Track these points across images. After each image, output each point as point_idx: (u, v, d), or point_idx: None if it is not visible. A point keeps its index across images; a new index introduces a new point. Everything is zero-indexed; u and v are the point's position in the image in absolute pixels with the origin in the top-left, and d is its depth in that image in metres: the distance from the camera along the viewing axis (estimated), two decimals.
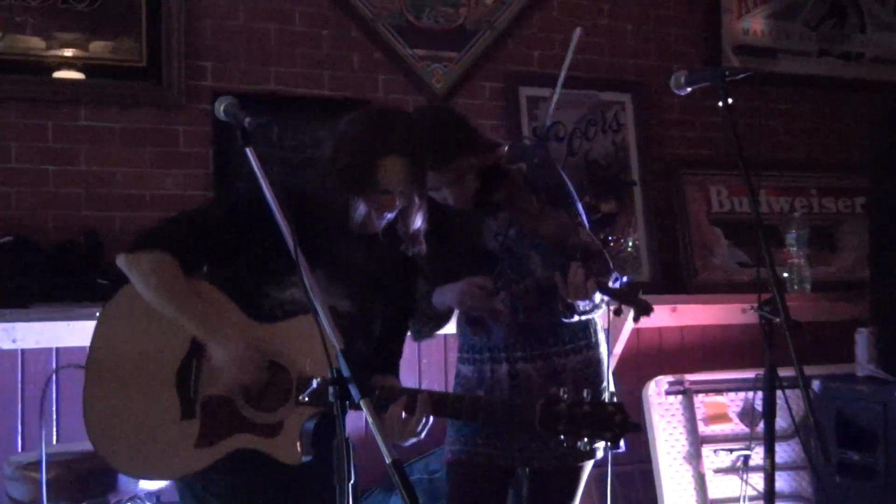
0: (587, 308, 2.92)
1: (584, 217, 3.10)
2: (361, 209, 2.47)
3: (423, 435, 2.43)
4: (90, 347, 2.49)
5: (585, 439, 2.41)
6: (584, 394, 2.43)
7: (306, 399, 2.36)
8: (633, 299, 2.71)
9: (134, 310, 2.45)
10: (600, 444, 2.94)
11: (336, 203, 2.47)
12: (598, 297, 2.84)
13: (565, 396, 2.43)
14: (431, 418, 2.43)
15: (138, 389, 2.45)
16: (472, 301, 2.89)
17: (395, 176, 2.45)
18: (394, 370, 2.69)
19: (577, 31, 3.06)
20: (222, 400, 2.42)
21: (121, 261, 2.44)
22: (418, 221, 2.56)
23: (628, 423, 2.43)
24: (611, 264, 2.90)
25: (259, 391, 2.42)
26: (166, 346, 2.44)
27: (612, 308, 2.85)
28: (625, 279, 2.77)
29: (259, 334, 2.43)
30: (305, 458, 2.41)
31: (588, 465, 3.09)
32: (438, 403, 2.45)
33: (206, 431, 2.42)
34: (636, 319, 2.72)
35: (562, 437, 2.42)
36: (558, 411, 2.41)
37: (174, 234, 2.47)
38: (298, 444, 2.39)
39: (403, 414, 2.38)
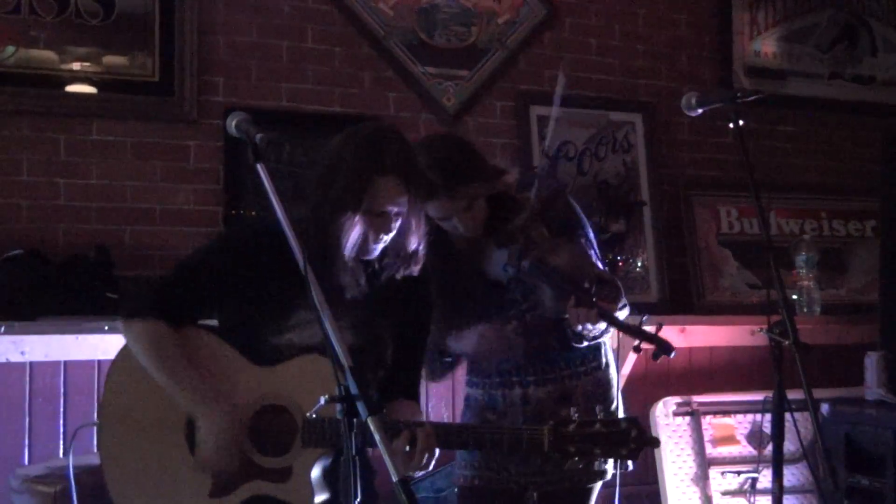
0: (596, 334, 2.91)
1: (595, 247, 3.09)
2: (356, 233, 2.42)
3: (430, 467, 2.39)
4: (102, 403, 2.52)
5: (602, 459, 2.37)
6: (596, 410, 2.41)
7: (314, 416, 2.36)
8: (648, 336, 2.69)
9: (141, 364, 2.47)
10: (610, 464, 2.95)
11: (331, 232, 2.43)
12: (603, 323, 2.83)
13: (576, 416, 2.41)
14: (438, 450, 2.40)
15: (151, 442, 2.46)
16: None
17: (390, 196, 2.41)
18: (413, 394, 2.67)
19: (560, 76, 3.07)
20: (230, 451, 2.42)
21: (119, 327, 2.49)
22: (414, 243, 2.51)
23: (644, 438, 2.39)
24: (622, 295, 2.88)
25: (267, 438, 2.43)
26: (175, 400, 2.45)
27: (632, 345, 2.82)
28: (644, 318, 2.76)
29: (260, 378, 2.44)
30: (319, 499, 2.41)
31: (598, 486, 3.07)
32: (443, 436, 2.42)
33: (218, 482, 2.43)
34: (655, 358, 2.70)
35: (576, 458, 2.40)
36: (568, 433, 2.38)
37: (164, 297, 2.50)
38: (309, 486, 2.39)
39: (408, 448, 2.34)
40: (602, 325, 2.83)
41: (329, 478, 2.44)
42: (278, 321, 2.47)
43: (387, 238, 2.47)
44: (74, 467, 3.39)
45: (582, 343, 2.95)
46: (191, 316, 2.51)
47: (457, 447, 2.54)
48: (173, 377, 2.42)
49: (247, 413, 2.43)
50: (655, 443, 2.45)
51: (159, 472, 2.45)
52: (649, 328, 2.77)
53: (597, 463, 2.37)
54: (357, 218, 2.41)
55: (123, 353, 2.52)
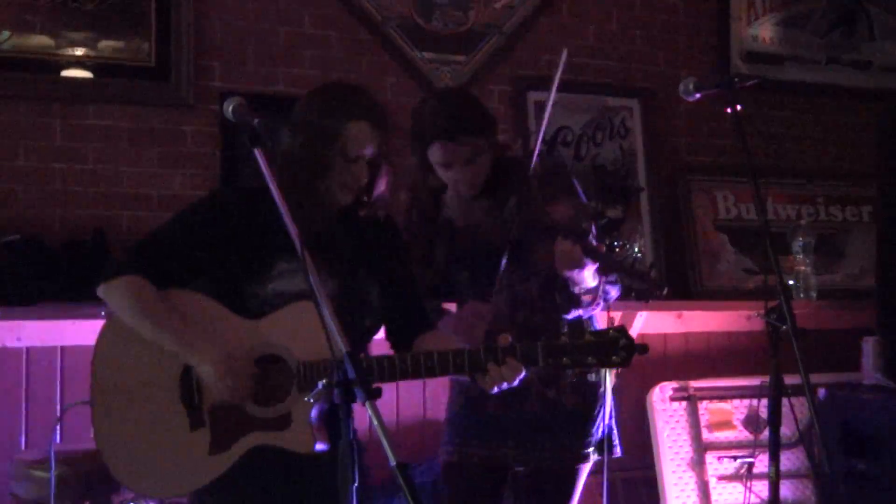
0: (587, 300, 2.89)
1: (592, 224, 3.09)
2: (331, 179, 2.46)
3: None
4: (92, 380, 2.48)
5: (594, 369, 2.38)
6: (584, 323, 2.43)
7: (312, 401, 2.35)
8: (637, 273, 2.67)
9: (126, 334, 2.44)
10: (592, 448, 2.95)
11: (306, 182, 2.45)
12: (594, 279, 2.80)
13: (566, 330, 2.42)
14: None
15: (146, 411, 2.44)
16: (465, 336, 2.88)
17: (362, 140, 2.45)
18: (430, 324, 2.69)
19: (564, 54, 3.05)
20: (228, 404, 2.41)
21: (99, 291, 2.44)
22: (382, 187, 2.55)
23: (633, 345, 2.40)
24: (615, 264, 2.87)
25: (262, 388, 2.41)
26: (164, 361, 2.42)
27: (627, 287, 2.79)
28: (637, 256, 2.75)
29: (250, 330, 2.43)
30: (320, 445, 2.41)
31: (585, 468, 3.06)
32: (444, 361, 2.39)
33: (217, 438, 2.41)
34: (645, 298, 2.67)
35: (569, 371, 2.41)
36: (560, 345, 2.39)
37: (142, 255, 2.47)
38: (310, 431, 2.39)
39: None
40: (592, 281, 2.80)
41: (326, 422, 2.43)
42: (260, 272, 2.46)
43: (359, 184, 2.50)
44: (74, 451, 3.42)
45: (570, 311, 2.94)
46: (171, 276, 2.47)
47: (453, 372, 2.47)
48: (161, 325, 2.39)
49: None
50: (644, 349, 2.46)
51: (157, 438, 2.43)
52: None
53: (591, 376, 2.36)
54: (331, 165, 2.44)
55: (104, 333, 2.48)
